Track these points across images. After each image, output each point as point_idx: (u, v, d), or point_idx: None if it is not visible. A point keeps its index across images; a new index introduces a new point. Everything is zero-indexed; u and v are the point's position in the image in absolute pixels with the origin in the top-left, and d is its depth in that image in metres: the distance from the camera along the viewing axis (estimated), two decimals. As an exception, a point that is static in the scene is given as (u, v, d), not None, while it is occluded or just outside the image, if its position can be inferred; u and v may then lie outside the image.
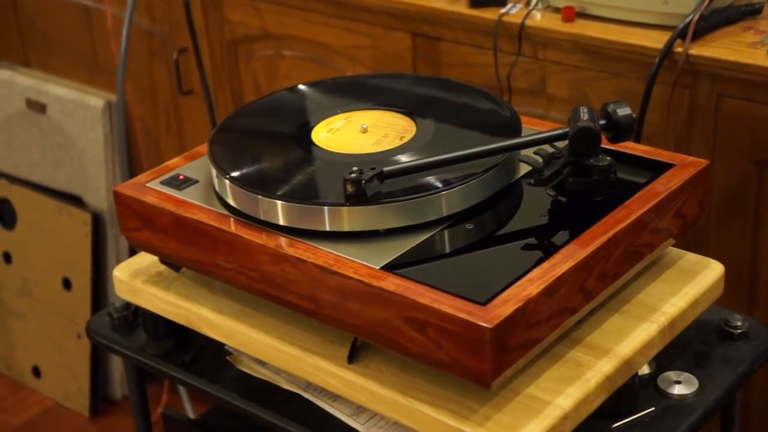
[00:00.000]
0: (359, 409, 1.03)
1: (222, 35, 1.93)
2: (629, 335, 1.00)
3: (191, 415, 2.12)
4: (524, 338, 0.91)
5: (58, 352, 2.37)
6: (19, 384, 2.47)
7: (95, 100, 2.19)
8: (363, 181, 0.97)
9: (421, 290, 0.92)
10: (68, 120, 2.25)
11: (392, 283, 0.93)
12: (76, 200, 2.30)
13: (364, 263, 0.96)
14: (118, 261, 2.25)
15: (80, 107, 2.22)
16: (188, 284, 1.12)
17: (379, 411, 0.98)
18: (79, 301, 2.29)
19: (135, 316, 1.19)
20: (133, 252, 2.34)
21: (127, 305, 1.19)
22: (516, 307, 0.89)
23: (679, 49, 1.39)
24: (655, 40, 1.42)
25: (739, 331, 1.09)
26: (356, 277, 0.94)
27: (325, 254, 0.97)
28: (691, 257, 1.10)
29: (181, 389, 2.16)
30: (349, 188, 0.98)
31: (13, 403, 2.40)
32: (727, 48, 1.38)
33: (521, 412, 0.92)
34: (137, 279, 1.14)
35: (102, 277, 2.28)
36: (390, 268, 0.95)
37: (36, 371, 2.43)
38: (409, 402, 0.95)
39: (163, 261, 1.13)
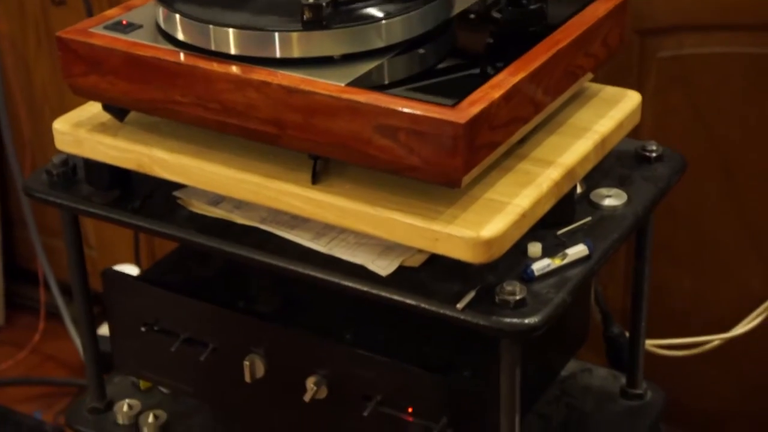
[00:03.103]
0: (319, 234, 1.08)
1: (98, -59, 1.91)
2: (569, 150, 1.08)
3: (75, 337, 2.09)
4: (488, 139, 0.98)
5: None
6: None
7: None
8: (324, 4, 1.02)
9: (390, 99, 0.97)
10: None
11: (362, 95, 0.98)
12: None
13: (330, 82, 1.00)
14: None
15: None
16: (135, 131, 1.14)
17: (346, 225, 1.03)
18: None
19: (74, 173, 1.19)
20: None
21: (66, 161, 1.19)
22: (483, 107, 0.95)
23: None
24: None
25: (654, 154, 1.19)
26: (325, 92, 0.99)
27: (289, 77, 1.01)
28: (610, 89, 1.19)
29: (64, 314, 2.12)
30: (307, 14, 1.03)
31: None
32: None
33: (484, 211, 0.99)
34: (80, 129, 1.14)
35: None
36: (354, 85, 1.00)
37: None
38: (377, 211, 1.00)
39: (107, 109, 1.14)
